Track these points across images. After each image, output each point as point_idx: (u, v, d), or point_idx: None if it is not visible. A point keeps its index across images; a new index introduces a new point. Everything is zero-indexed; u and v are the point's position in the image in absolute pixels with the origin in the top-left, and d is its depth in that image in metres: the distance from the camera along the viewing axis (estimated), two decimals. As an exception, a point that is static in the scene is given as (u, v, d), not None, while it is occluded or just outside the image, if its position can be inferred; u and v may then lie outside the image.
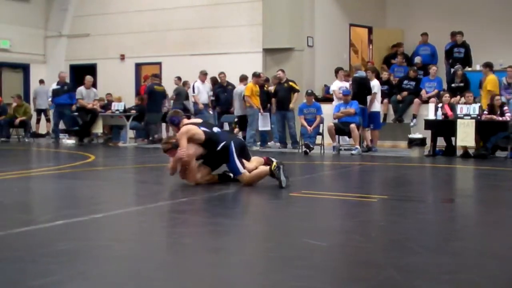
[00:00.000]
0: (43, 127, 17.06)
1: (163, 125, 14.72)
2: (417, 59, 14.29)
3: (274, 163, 6.61)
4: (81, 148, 13.30)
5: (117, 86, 16.53)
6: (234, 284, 3.16)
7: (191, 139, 6.76)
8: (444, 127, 11.15)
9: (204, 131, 6.85)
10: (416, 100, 12.89)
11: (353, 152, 11.47)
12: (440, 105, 11.34)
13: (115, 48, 17.22)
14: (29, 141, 15.58)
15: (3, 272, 3.25)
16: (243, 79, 13.34)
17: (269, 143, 13.63)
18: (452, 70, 13.29)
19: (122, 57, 17.23)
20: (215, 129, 7.07)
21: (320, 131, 12.15)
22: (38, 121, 16.90)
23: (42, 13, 18.32)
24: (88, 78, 14.92)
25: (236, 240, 4.24)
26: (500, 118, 10.68)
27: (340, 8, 15.65)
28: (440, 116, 11.16)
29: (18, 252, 3.65)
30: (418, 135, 11.38)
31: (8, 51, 17.38)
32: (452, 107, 11.21)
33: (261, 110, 12.87)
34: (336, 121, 11.90)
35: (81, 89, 14.65)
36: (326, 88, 14.23)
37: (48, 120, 16.67)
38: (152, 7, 16.57)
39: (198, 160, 7.01)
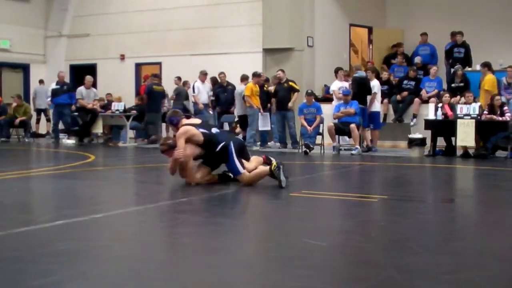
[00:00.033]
0: (43, 127, 17.07)
1: (163, 125, 14.72)
2: (417, 59, 14.29)
3: (274, 163, 6.62)
4: (81, 148, 13.30)
5: (117, 86, 16.53)
6: (234, 284, 3.15)
7: (189, 140, 6.77)
8: (444, 127, 11.16)
9: (203, 133, 6.85)
10: (416, 100, 12.89)
11: (353, 152, 11.47)
12: (440, 105, 11.34)
13: (115, 48, 17.22)
14: (29, 141, 15.59)
15: (3, 272, 3.25)
16: (244, 78, 13.34)
17: (269, 143, 13.63)
18: (452, 70, 13.29)
19: (122, 57, 17.24)
20: (214, 130, 7.06)
21: (320, 131, 12.15)
22: (38, 121, 16.93)
23: (42, 13, 18.33)
24: (88, 78, 14.92)
25: (236, 240, 4.24)
26: (500, 118, 10.68)
27: (340, 8, 15.65)
28: (440, 116, 11.17)
29: (18, 252, 3.65)
30: (418, 135, 11.38)
31: (8, 51, 17.39)
32: (452, 107, 11.21)
33: (261, 110, 12.87)
34: (336, 121, 11.90)
35: (81, 89, 14.65)
36: (326, 88, 14.23)
37: (48, 120, 16.68)
38: (152, 7, 16.58)
39: (198, 160, 7.03)
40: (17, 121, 15.72)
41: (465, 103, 11.13)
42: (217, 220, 4.93)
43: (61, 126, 15.27)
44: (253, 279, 3.22)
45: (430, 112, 11.44)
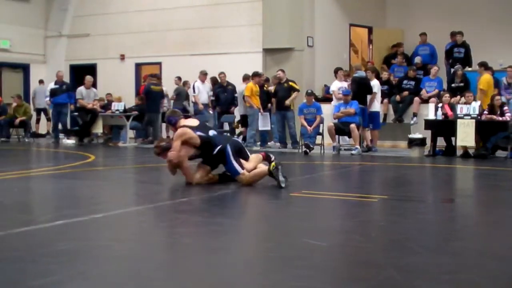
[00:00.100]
0: (43, 127, 17.07)
1: (163, 125, 14.72)
2: (417, 59, 14.29)
3: (273, 164, 6.61)
4: (81, 148, 13.30)
5: (117, 86, 16.53)
6: (234, 284, 3.15)
7: (186, 143, 6.79)
8: (444, 127, 11.16)
9: (200, 136, 6.86)
10: (416, 99, 12.88)
11: (353, 152, 11.47)
12: (440, 105, 11.34)
13: (115, 48, 17.22)
14: (29, 141, 15.58)
15: (3, 272, 3.24)
16: (247, 78, 13.35)
17: (269, 143, 13.63)
18: (452, 70, 13.29)
19: (122, 57, 17.23)
20: (211, 133, 7.05)
21: (320, 131, 12.15)
22: (38, 121, 16.94)
23: (42, 13, 18.33)
24: (88, 78, 14.92)
25: (236, 240, 4.24)
26: (500, 118, 10.68)
27: (340, 8, 15.65)
28: (440, 116, 11.17)
29: (18, 252, 3.64)
30: (418, 135, 11.38)
31: (8, 51, 17.39)
32: (452, 107, 11.21)
33: (261, 110, 12.88)
34: (336, 121, 11.90)
35: (81, 89, 14.66)
36: (326, 88, 14.23)
37: (48, 120, 16.68)
38: (152, 7, 16.57)
39: (196, 160, 7.04)
40: (17, 121, 15.72)
41: (465, 103, 11.13)
42: (217, 220, 4.93)
43: (60, 126, 15.28)
44: (253, 279, 3.22)
45: (430, 112, 11.45)
